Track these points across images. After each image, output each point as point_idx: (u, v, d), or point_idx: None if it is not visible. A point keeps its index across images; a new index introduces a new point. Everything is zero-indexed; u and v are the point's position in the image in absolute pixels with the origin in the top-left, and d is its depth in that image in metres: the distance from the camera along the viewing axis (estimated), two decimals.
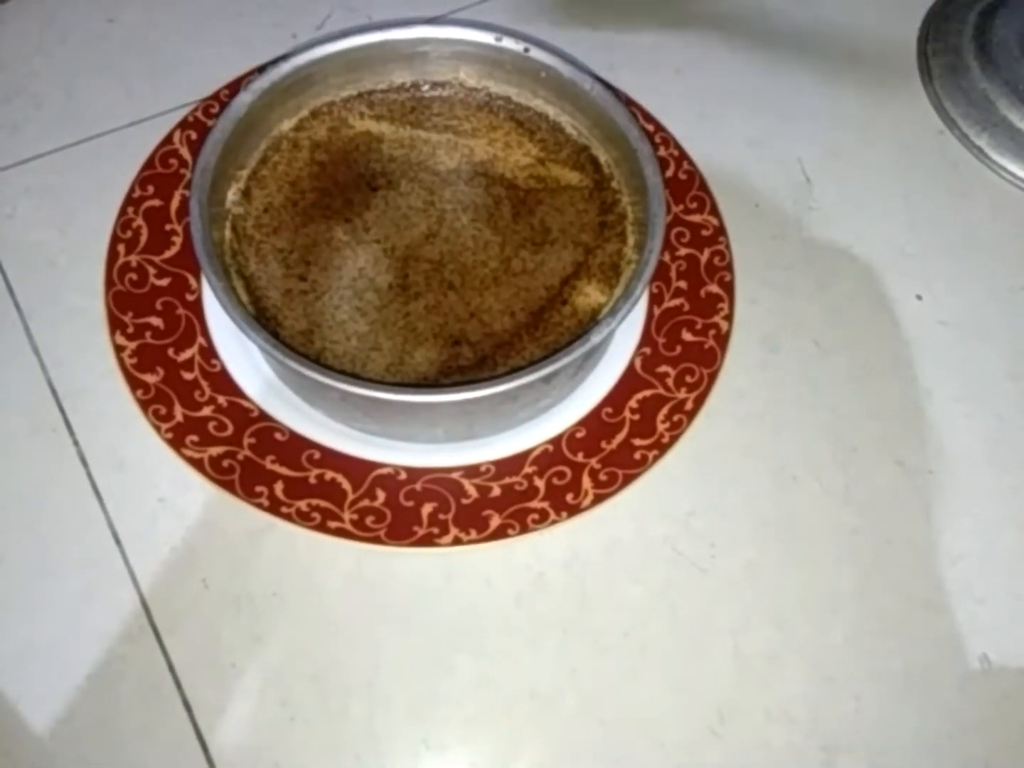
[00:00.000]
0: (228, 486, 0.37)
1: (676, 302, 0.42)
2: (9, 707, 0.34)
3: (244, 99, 0.38)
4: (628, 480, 0.38)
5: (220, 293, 0.34)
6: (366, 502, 0.37)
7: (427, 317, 0.37)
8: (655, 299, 0.42)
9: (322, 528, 0.36)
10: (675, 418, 0.39)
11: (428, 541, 0.37)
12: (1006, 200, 0.48)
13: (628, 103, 0.46)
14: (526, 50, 0.40)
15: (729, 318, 0.42)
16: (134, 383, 0.38)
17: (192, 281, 0.41)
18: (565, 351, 0.34)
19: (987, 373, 0.43)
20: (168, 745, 0.34)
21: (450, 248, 0.39)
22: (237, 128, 0.38)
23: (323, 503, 0.37)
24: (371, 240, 0.39)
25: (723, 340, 0.41)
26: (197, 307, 0.41)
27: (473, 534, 0.37)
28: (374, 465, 0.38)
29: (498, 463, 0.38)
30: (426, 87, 0.42)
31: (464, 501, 0.37)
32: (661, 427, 0.39)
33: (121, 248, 0.41)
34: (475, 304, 0.38)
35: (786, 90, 0.50)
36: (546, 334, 0.37)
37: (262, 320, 0.37)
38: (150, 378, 0.39)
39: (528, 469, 0.38)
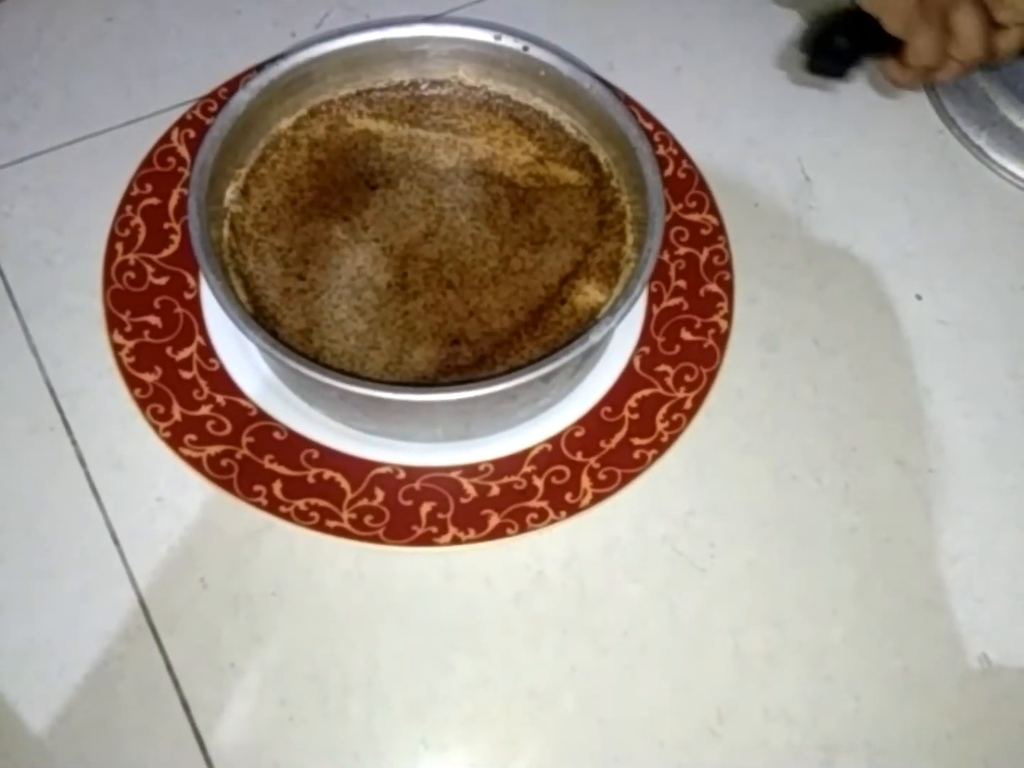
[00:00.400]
0: (226, 485, 0.37)
1: (675, 301, 0.42)
2: (8, 706, 0.34)
3: (243, 97, 0.38)
4: (627, 479, 0.38)
5: (218, 292, 0.34)
6: (365, 501, 0.37)
7: (426, 316, 0.37)
8: (654, 298, 0.42)
9: (321, 527, 0.36)
10: (674, 417, 0.39)
11: (427, 540, 0.37)
12: (1006, 199, 0.47)
13: (627, 102, 0.46)
14: (525, 48, 0.40)
15: (728, 317, 0.42)
16: (132, 382, 0.38)
17: (190, 280, 0.41)
18: (564, 350, 0.34)
19: (987, 372, 0.43)
20: (166, 744, 0.34)
21: (449, 247, 0.39)
22: (236, 126, 0.38)
23: (322, 502, 0.37)
24: (370, 239, 0.39)
25: (722, 339, 0.41)
26: (195, 306, 0.41)
27: (472, 533, 0.37)
28: (373, 464, 0.38)
29: (497, 462, 0.38)
30: (425, 85, 0.42)
31: (463, 500, 0.37)
32: (660, 426, 0.39)
33: (119, 246, 0.41)
34: (474, 303, 0.38)
35: (786, 89, 0.50)
36: (545, 333, 0.37)
37: (261, 319, 0.36)
38: (148, 377, 0.39)
39: (527, 468, 0.38)
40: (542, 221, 0.39)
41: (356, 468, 0.38)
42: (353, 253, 0.38)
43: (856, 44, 0.43)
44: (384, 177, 0.40)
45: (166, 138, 0.44)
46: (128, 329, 0.40)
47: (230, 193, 0.39)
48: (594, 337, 0.34)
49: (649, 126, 0.46)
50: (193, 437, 0.38)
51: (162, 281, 0.41)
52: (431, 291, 0.38)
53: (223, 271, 0.36)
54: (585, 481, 0.38)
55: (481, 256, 0.39)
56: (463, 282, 0.38)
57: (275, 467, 0.38)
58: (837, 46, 0.43)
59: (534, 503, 0.37)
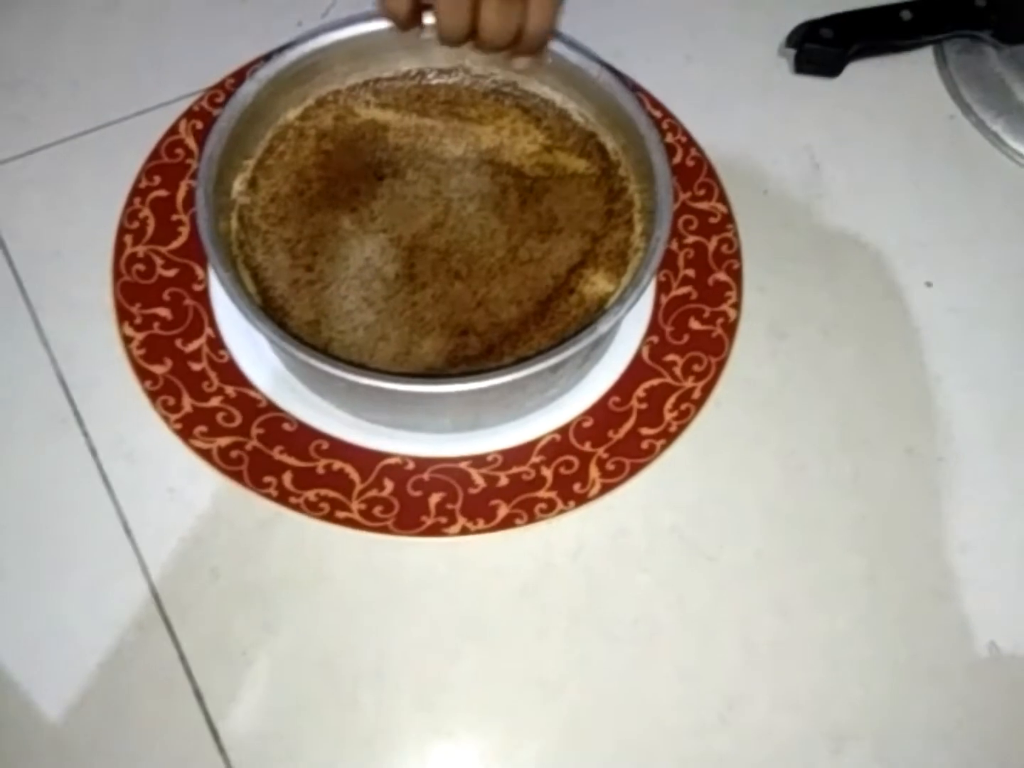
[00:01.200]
0: (237, 476, 0.37)
1: (684, 290, 0.42)
2: (22, 695, 0.35)
3: (250, 88, 0.38)
4: (636, 469, 0.38)
5: (227, 284, 0.34)
6: (374, 492, 0.37)
7: (434, 307, 0.37)
8: (662, 287, 0.42)
9: (330, 518, 0.37)
10: (683, 407, 0.39)
11: (436, 531, 0.37)
12: (1019, 186, 0.47)
13: (635, 89, 0.46)
14: None
15: (737, 306, 0.42)
16: (142, 374, 0.39)
17: (199, 271, 0.41)
18: (572, 340, 0.34)
19: (997, 360, 0.43)
20: (179, 733, 0.35)
21: (457, 237, 0.39)
22: (243, 117, 0.38)
23: (331, 493, 0.37)
24: (377, 229, 0.39)
25: (731, 328, 0.41)
26: (204, 298, 0.41)
27: (481, 524, 0.37)
28: (382, 455, 0.38)
29: (505, 453, 0.38)
30: (432, 74, 0.42)
31: (472, 491, 0.38)
32: (668, 416, 0.39)
33: (128, 239, 0.42)
34: (482, 293, 0.38)
35: (795, 76, 0.49)
36: (553, 323, 0.37)
37: (269, 310, 0.36)
38: (158, 369, 0.39)
39: (535, 459, 0.38)
40: (550, 210, 0.39)
41: (365, 459, 0.38)
42: (361, 244, 0.38)
43: (843, 37, 0.43)
44: (391, 167, 0.40)
45: (174, 129, 0.44)
46: (138, 321, 0.40)
47: (238, 184, 0.39)
48: (602, 327, 0.34)
49: (657, 114, 0.46)
50: (203, 428, 0.38)
51: (171, 273, 0.41)
52: (439, 281, 0.38)
53: (231, 263, 0.36)
54: (593, 471, 0.38)
55: (489, 246, 0.38)
56: (471, 272, 0.38)
57: (285, 458, 0.38)
58: (822, 39, 0.43)
59: (543, 493, 0.38)
